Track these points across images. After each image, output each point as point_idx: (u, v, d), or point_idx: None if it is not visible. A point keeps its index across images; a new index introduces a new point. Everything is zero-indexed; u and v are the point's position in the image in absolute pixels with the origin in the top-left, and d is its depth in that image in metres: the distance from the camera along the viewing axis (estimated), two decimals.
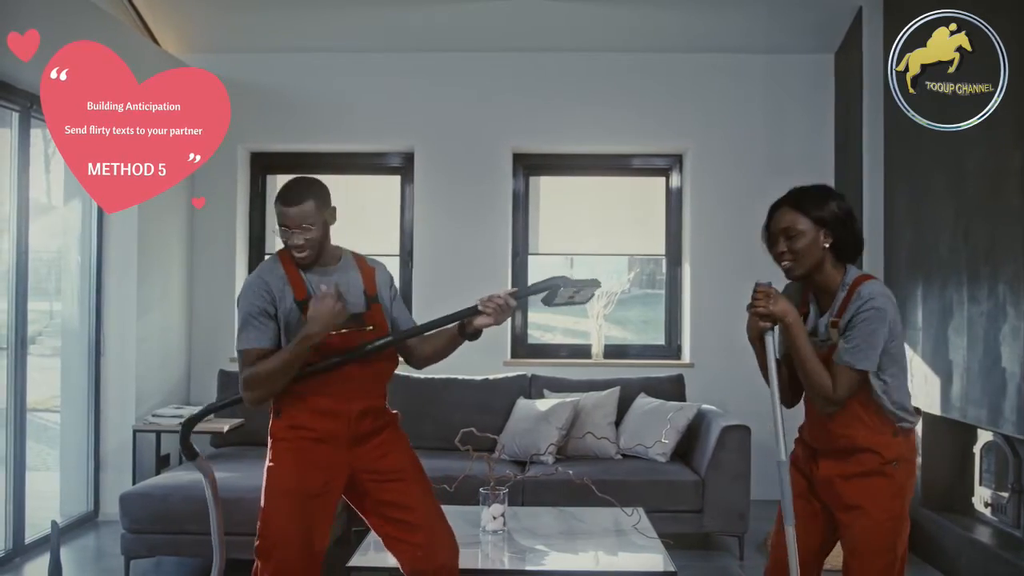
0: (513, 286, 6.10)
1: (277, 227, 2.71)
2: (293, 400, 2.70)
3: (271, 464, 2.73)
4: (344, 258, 2.84)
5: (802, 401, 2.70)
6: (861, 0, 5.39)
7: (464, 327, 2.74)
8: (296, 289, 2.70)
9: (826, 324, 2.54)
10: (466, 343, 2.84)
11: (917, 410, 2.81)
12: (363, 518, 2.88)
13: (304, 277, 2.74)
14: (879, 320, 2.44)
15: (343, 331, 2.67)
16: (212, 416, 5.31)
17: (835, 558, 2.76)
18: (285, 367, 2.61)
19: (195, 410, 5.37)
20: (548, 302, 2.76)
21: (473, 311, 2.68)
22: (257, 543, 2.70)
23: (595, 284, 2.79)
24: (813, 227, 2.50)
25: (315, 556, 2.71)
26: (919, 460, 4.74)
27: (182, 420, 5.13)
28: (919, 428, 4.74)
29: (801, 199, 2.54)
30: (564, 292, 2.73)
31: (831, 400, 2.47)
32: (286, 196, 2.69)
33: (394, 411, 2.89)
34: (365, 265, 2.87)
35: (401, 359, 2.91)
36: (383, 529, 2.81)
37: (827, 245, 2.52)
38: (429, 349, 2.86)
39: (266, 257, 6.23)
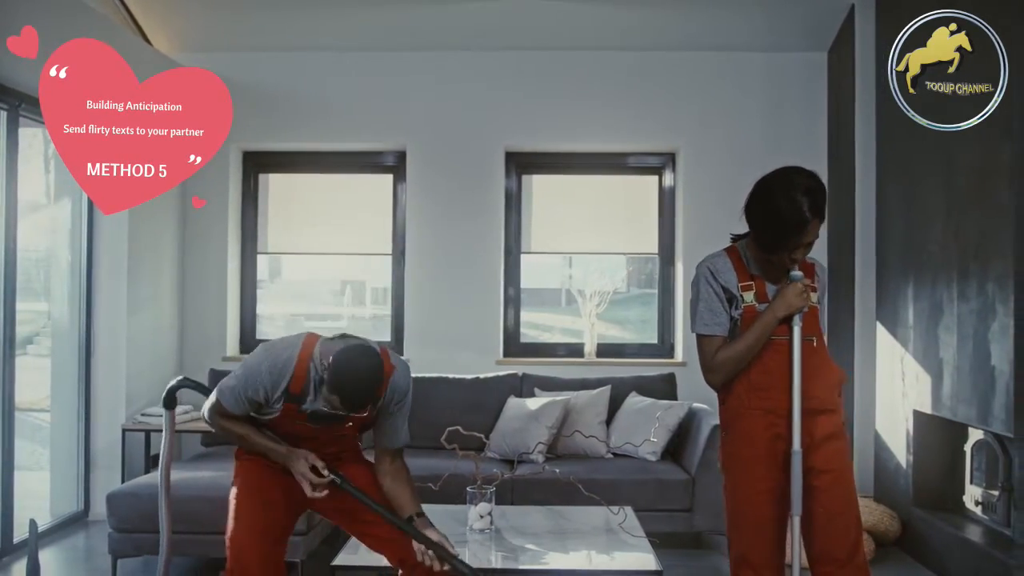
0: (507, 285, 6.08)
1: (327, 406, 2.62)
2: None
3: (237, 469, 2.90)
4: None
5: (740, 379, 2.66)
6: None
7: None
8: (295, 382, 2.66)
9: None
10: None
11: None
12: (346, 531, 3.02)
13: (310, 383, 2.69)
14: None
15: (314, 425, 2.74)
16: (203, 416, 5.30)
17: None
18: (246, 443, 2.82)
19: (187, 407, 5.38)
20: None
21: (410, 528, 2.73)
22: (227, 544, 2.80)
23: None
24: None
25: (275, 560, 2.80)
26: (910, 459, 4.74)
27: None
28: (911, 426, 4.74)
29: (824, 209, 2.54)
30: None
31: None
32: (352, 401, 2.54)
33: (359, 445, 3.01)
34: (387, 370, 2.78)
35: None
36: (359, 531, 2.93)
37: None
38: (390, 487, 2.84)
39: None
